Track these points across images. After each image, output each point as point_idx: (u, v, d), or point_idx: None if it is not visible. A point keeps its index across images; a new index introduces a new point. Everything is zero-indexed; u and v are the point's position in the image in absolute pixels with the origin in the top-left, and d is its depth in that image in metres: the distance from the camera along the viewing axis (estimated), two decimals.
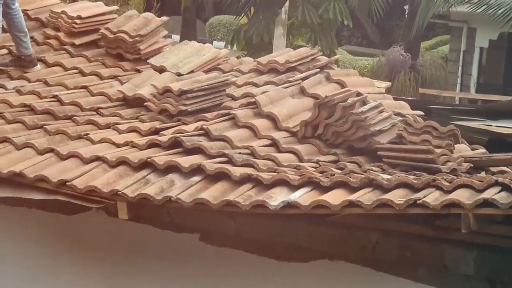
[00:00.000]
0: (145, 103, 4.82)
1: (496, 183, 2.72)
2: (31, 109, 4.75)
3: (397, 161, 3.83)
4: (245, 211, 3.15)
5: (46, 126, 4.52)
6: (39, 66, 5.71)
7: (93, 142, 4.23)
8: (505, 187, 2.60)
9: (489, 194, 2.53)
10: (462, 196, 2.60)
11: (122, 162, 3.87)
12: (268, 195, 3.13)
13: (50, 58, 5.93)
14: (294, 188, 3.21)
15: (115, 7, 7.93)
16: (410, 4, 17.74)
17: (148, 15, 6.74)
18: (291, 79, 5.21)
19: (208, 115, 4.55)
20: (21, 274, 5.23)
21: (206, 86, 4.80)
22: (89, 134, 4.40)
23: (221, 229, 3.72)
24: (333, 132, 4.15)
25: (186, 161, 3.67)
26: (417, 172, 3.48)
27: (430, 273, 3.21)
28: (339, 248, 3.39)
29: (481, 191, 2.68)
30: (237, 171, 3.42)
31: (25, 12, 6.28)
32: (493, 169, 3.96)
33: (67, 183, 3.65)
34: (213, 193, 3.31)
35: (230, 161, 3.65)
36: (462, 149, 4.28)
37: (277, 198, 3.09)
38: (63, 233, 4.84)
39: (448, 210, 2.59)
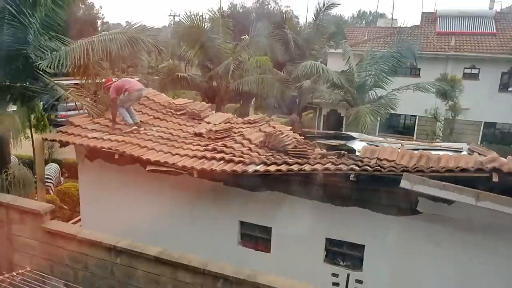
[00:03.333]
0: (203, 135, 8.40)
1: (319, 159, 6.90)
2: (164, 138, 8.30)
3: (296, 154, 7.33)
4: (238, 173, 6.76)
5: (166, 143, 7.99)
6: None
7: (183, 149, 7.68)
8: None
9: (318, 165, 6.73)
10: (315, 166, 6.80)
11: (193, 156, 7.36)
12: (249, 166, 7.04)
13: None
14: (257, 165, 7.04)
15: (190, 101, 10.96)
16: None
17: (204, 104, 10.39)
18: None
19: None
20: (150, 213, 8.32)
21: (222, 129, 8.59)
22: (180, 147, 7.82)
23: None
24: (272, 144, 7.80)
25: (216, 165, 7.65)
26: (303, 158, 7.17)
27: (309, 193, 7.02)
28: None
29: (316, 164, 6.78)
30: (236, 160, 7.13)
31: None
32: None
33: (176, 163, 7.02)
34: (228, 167, 6.97)
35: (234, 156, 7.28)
36: (317, 150, 7.86)
37: (250, 168, 6.91)
38: (173, 184, 7.97)
39: (311, 171, 6.64)
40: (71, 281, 6.26)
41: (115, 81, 9.51)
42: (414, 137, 23.80)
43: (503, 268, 6.23)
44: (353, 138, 10.22)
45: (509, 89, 22.98)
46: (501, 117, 22.71)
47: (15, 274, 6.16)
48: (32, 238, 6.63)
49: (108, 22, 32.59)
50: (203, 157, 7.47)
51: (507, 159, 6.40)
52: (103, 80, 10.82)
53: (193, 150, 7.78)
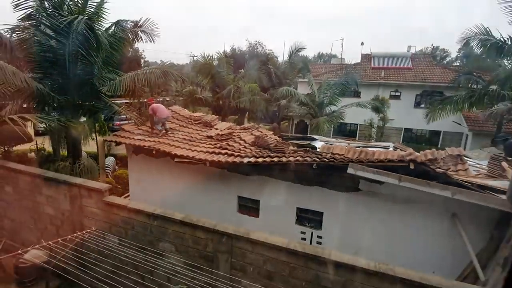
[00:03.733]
0: (213, 137, 8.35)
1: (293, 153, 7.03)
2: (186, 139, 8.30)
3: (276, 150, 7.38)
4: (237, 163, 7.01)
5: (187, 143, 8.04)
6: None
7: (199, 147, 7.69)
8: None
9: (291, 158, 6.87)
10: (289, 158, 6.90)
11: (206, 151, 7.41)
12: (244, 159, 7.27)
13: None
14: (250, 158, 7.36)
15: (204, 114, 10.84)
16: None
17: (213, 116, 10.26)
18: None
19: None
20: (180, 194, 8.29)
21: (226, 133, 8.58)
22: (197, 146, 7.99)
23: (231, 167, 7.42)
24: (260, 143, 7.90)
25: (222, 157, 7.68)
26: (281, 153, 7.46)
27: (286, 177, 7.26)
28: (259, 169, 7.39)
29: (290, 157, 6.92)
30: (235, 154, 7.41)
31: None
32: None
33: (194, 157, 7.07)
34: (230, 159, 7.23)
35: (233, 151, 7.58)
36: (290, 148, 7.79)
37: (245, 160, 7.14)
38: (192, 171, 7.99)
39: (286, 162, 6.78)
40: (123, 237, 6.24)
41: (155, 101, 9.51)
42: (357, 138, 23.88)
43: (418, 227, 6.30)
44: (315, 139, 10.24)
45: (421, 106, 23.17)
46: (415, 124, 22.89)
47: (84, 232, 6.13)
48: (96, 207, 6.60)
49: (148, 60, 32.24)
50: (213, 152, 7.47)
51: (420, 153, 6.46)
52: (146, 99, 10.84)
53: (206, 148, 7.76)
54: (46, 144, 14.89)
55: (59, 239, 5.31)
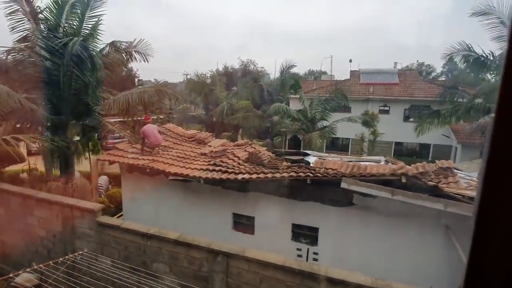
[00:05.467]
0: (207, 154, 8.32)
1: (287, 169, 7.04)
2: (180, 157, 8.36)
3: (270, 166, 7.38)
4: (231, 180, 6.93)
5: (181, 161, 7.87)
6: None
7: (193, 164, 7.55)
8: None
9: (285, 173, 6.87)
10: (283, 174, 6.89)
11: (200, 168, 7.30)
12: (238, 175, 7.24)
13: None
14: (244, 174, 7.34)
15: (198, 131, 10.87)
16: None
17: (207, 133, 10.32)
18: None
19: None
20: (175, 211, 8.15)
21: (220, 150, 8.72)
22: (191, 163, 7.72)
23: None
24: (253, 160, 7.91)
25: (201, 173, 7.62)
26: (274, 169, 7.55)
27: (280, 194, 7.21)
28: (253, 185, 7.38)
29: (284, 172, 6.97)
30: (229, 171, 7.41)
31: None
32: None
33: (189, 174, 7.01)
34: (224, 176, 7.26)
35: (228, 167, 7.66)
36: (284, 163, 7.67)
37: (239, 176, 7.12)
38: (187, 188, 7.92)
39: (280, 178, 6.88)
40: (116, 258, 6.06)
41: (151, 120, 9.38)
42: (349, 153, 24.01)
43: (413, 240, 6.25)
44: (308, 154, 10.25)
45: (410, 119, 23.51)
46: (405, 138, 23.15)
47: (76, 254, 5.94)
48: (88, 228, 6.44)
49: (142, 79, 32.35)
50: (207, 169, 7.40)
51: (411, 166, 6.49)
52: (142, 117, 10.75)
53: (200, 165, 7.67)
54: (38, 164, 14.62)
55: (50, 262, 5.15)
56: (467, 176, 7.49)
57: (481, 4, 11.32)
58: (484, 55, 12.90)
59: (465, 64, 13.57)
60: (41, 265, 4.91)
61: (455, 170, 7.29)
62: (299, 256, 7.13)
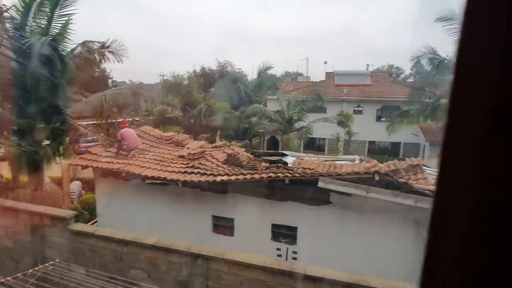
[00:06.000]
0: (185, 157, 8.16)
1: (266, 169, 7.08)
2: (157, 160, 8.23)
3: (249, 167, 7.50)
4: (210, 182, 6.88)
5: (159, 163, 7.93)
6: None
7: (171, 167, 7.42)
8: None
9: (263, 174, 6.90)
10: (262, 175, 6.92)
11: (178, 171, 7.40)
12: (217, 177, 7.19)
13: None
14: (222, 176, 7.28)
15: (175, 133, 10.73)
16: None
17: (185, 135, 10.21)
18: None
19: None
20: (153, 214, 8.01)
21: (198, 152, 8.54)
22: (169, 166, 7.64)
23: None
24: (232, 161, 7.93)
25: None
26: (253, 169, 7.57)
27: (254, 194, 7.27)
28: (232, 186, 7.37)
29: (262, 173, 7.00)
30: (208, 173, 7.37)
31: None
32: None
33: (166, 177, 6.89)
34: (203, 178, 7.23)
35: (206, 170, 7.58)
36: (262, 164, 7.92)
37: (218, 178, 7.11)
38: (165, 192, 7.78)
39: (259, 179, 6.85)
40: (91, 267, 5.81)
41: (128, 125, 9.10)
42: (326, 152, 24.46)
43: (386, 235, 6.40)
44: (286, 155, 10.32)
45: (382, 119, 24.30)
46: (378, 137, 23.91)
47: (47, 265, 5.63)
48: (60, 237, 6.14)
49: (116, 80, 31.30)
50: (185, 172, 7.29)
51: (383, 164, 6.70)
52: (116, 120, 10.47)
53: (178, 167, 7.55)
54: (5, 170, 13.77)
55: (19, 274, 4.86)
56: (435, 173, 7.85)
57: (444, 10, 11.93)
58: (447, 57, 13.59)
59: (430, 66, 14.22)
60: (8, 278, 4.62)
61: (424, 167, 7.60)
62: (279, 255, 7.16)
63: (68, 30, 9.36)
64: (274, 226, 7.27)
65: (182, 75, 21.43)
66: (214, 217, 7.72)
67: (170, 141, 9.71)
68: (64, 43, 9.31)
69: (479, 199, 0.24)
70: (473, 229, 0.25)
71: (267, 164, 7.94)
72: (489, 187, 0.23)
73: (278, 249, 7.20)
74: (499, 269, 0.24)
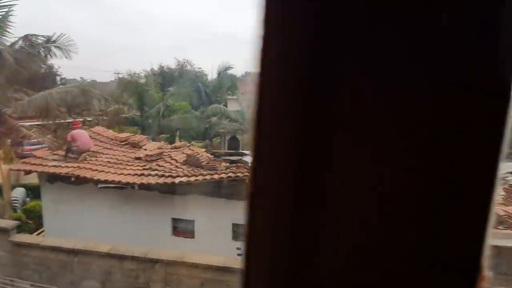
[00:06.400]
0: (141, 158, 7.85)
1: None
2: (111, 162, 7.83)
3: (209, 168, 7.49)
4: (168, 184, 6.85)
5: (113, 166, 7.65)
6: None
7: (127, 169, 7.13)
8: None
9: (223, 174, 6.85)
10: (222, 175, 6.87)
11: (135, 174, 7.22)
12: (175, 179, 7.01)
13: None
14: (181, 177, 7.13)
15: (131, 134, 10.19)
16: None
17: (142, 136, 9.97)
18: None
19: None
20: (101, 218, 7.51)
21: (156, 153, 8.34)
22: (124, 168, 7.39)
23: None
24: (192, 162, 8.01)
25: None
26: (213, 170, 7.59)
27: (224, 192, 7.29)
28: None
29: (222, 173, 6.96)
30: (166, 174, 7.19)
31: None
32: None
33: (121, 181, 6.81)
34: (161, 180, 7.05)
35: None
36: (223, 164, 7.90)
37: (176, 180, 6.99)
38: (120, 196, 7.41)
39: (219, 179, 6.82)
40: (36, 281, 5.36)
41: (80, 125, 8.63)
42: None
43: None
44: (246, 154, 10.31)
45: None
46: None
47: None
48: (1, 250, 5.57)
49: (65, 77, 29.13)
50: (142, 174, 7.00)
51: None
52: (65, 120, 9.90)
53: (134, 170, 7.21)
54: None
55: None
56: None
57: None
58: None
59: None
60: None
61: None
62: (240, 255, 7.14)
63: (8, 23, 8.63)
64: (235, 225, 7.24)
65: (138, 73, 20.58)
66: (174, 219, 7.49)
67: (126, 142, 9.24)
68: (3, 37, 8.56)
69: (292, 195, 0.25)
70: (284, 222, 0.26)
71: (228, 164, 7.92)
72: (300, 181, 0.25)
73: (239, 248, 7.20)
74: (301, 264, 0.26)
